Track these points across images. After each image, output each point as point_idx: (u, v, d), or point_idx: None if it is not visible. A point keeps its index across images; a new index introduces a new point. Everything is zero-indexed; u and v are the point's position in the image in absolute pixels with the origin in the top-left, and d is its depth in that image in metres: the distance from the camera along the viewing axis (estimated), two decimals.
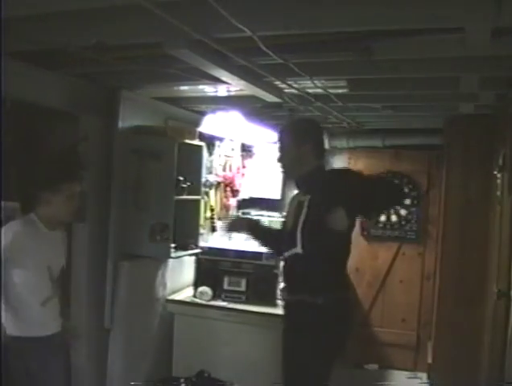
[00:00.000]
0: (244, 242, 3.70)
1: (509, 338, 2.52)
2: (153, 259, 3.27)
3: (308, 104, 3.19)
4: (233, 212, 4.35)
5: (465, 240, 3.73)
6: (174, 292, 3.62)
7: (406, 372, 4.54)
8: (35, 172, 2.42)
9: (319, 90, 2.83)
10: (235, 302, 3.47)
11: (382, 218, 4.80)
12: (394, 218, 4.78)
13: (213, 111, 3.63)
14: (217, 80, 2.52)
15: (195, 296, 3.56)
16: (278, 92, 2.89)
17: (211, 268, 3.57)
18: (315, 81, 2.63)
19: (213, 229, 3.99)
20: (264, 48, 1.92)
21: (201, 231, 3.64)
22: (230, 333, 3.37)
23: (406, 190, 4.58)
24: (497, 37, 1.77)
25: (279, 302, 3.34)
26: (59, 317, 2.45)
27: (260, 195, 4.56)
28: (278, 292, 3.41)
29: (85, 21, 1.88)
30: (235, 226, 3.05)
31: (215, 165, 4.04)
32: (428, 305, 4.52)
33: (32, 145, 3.04)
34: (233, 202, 4.34)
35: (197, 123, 3.63)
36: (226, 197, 4.25)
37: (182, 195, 3.20)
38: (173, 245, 3.16)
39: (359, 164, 4.73)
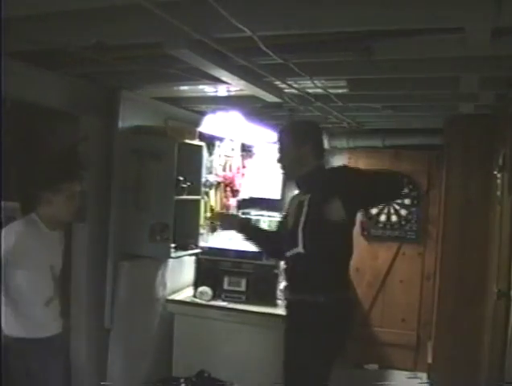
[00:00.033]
0: (244, 242, 3.69)
1: (510, 338, 2.53)
2: (153, 259, 3.27)
3: (308, 104, 3.19)
4: (232, 212, 4.34)
5: (465, 240, 3.73)
6: (174, 292, 3.62)
7: (406, 372, 4.53)
8: (35, 172, 2.43)
9: (319, 90, 2.83)
10: (235, 302, 3.47)
11: (382, 218, 4.81)
12: (394, 218, 4.79)
13: (213, 111, 3.63)
14: (217, 80, 2.52)
15: (195, 296, 3.55)
16: (278, 92, 2.89)
17: (211, 268, 3.57)
18: (315, 81, 2.63)
19: (213, 229, 3.99)
20: (264, 48, 1.92)
21: (201, 231, 3.64)
22: (230, 333, 3.37)
23: (406, 190, 4.57)
24: (497, 37, 1.78)
25: (279, 302, 3.35)
26: (60, 318, 2.46)
27: (260, 195, 4.56)
28: (279, 292, 3.42)
29: (85, 21, 1.88)
30: (225, 223, 3.04)
31: (215, 165, 4.04)
32: (428, 305, 4.51)
33: (32, 145, 3.03)
34: (233, 202, 4.34)
35: (197, 123, 3.63)
36: (226, 197, 4.25)
37: (182, 195, 3.20)
38: (173, 245, 3.16)
39: (359, 164, 4.72)
